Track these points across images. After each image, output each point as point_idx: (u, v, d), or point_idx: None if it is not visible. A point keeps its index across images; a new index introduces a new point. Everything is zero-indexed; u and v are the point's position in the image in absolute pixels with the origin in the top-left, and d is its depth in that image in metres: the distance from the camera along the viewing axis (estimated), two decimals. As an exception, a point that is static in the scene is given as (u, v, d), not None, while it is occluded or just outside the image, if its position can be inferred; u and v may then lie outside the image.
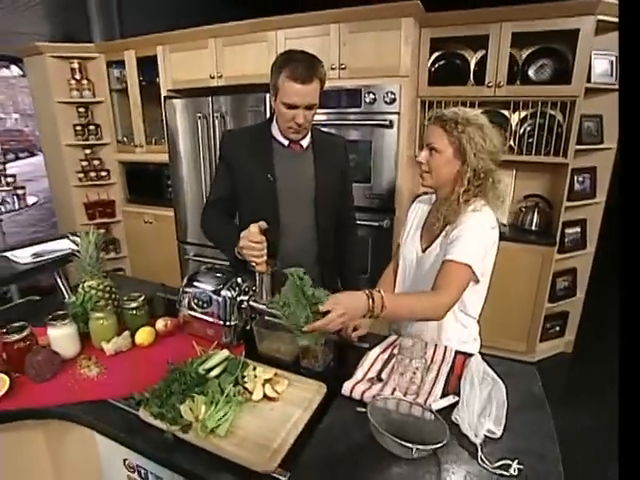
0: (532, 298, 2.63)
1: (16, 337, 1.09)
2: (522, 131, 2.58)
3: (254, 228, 1.16)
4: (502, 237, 2.56)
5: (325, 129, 2.60)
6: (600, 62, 2.36)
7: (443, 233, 1.26)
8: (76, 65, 3.36)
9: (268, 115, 2.67)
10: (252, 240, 1.15)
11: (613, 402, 2.23)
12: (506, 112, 2.58)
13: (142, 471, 0.99)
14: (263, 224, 1.18)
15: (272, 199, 1.39)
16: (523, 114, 2.56)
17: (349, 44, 2.43)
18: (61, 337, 1.14)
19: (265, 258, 1.18)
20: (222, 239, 1.35)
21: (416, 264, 1.37)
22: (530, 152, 2.52)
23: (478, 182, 1.21)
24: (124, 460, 1.00)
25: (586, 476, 1.91)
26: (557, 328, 2.91)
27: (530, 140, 2.52)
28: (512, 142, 2.60)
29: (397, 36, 2.30)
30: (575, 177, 2.57)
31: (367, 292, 1.05)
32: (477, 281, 1.22)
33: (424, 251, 1.34)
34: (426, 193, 1.49)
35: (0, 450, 1.08)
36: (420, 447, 0.81)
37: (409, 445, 0.80)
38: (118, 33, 3.86)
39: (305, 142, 1.43)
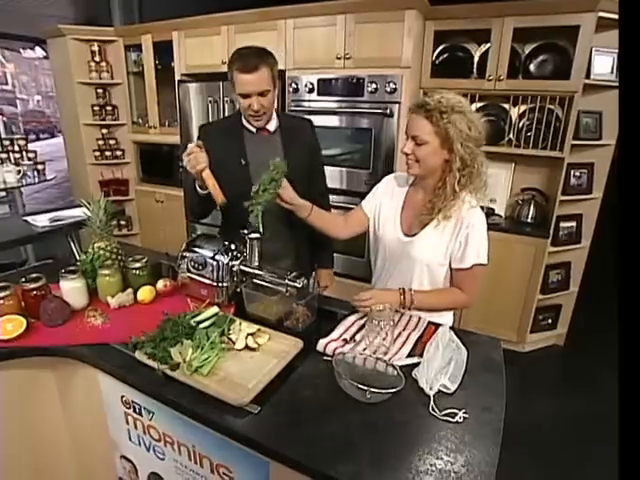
0: (524, 289, 2.71)
1: (33, 286, 1.24)
2: (521, 125, 2.64)
3: (190, 145, 1.32)
4: (498, 228, 2.66)
5: (328, 116, 2.73)
6: (601, 59, 2.40)
7: (435, 222, 1.30)
8: (96, 48, 3.51)
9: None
10: (186, 154, 1.31)
11: (604, 392, 2.33)
12: (506, 105, 2.64)
13: (136, 407, 1.12)
14: (199, 142, 1.34)
15: (246, 181, 1.50)
16: (523, 108, 2.61)
17: (354, 34, 2.51)
18: (71, 289, 1.29)
19: (204, 165, 1.31)
20: (190, 194, 1.49)
21: (398, 248, 1.40)
22: (528, 145, 2.58)
23: (467, 170, 1.24)
24: (121, 397, 1.14)
25: (573, 456, 2.03)
26: (549, 320, 2.97)
27: (529, 134, 2.58)
28: (511, 135, 2.66)
29: (400, 28, 2.38)
30: (572, 172, 2.62)
31: (401, 290, 1.31)
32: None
33: (408, 236, 1.37)
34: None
35: (16, 387, 1.22)
36: (373, 390, 0.92)
37: (364, 388, 0.92)
38: (137, 18, 4.00)
39: (272, 127, 1.56)
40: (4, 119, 14.04)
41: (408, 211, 1.41)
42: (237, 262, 1.35)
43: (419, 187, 1.39)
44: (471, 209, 1.28)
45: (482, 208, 1.33)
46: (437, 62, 2.74)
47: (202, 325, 1.15)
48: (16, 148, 3.64)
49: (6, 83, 21.34)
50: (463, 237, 1.29)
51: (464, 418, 0.95)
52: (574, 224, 2.77)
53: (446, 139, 1.21)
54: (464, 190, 1.27)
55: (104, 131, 3.75)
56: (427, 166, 1.27)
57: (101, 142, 3.74)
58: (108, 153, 3.75)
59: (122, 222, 3.93)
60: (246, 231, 1.33)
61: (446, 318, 1.46)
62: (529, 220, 2.75)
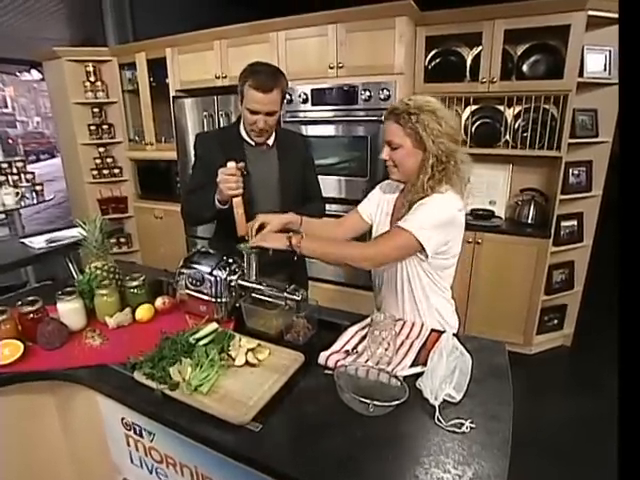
0: (528, 290, 2.68)
1: (29, 309, 1.23)
2: (517, 126, 2.64)
3: (231, 163, 1.33)
4: (498, 230, 2.65)
5: (324, 126, 2.74)
6: (593, 57, 2.41)
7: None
8: (91, 68, 3.55)
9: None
10: (227, 173, 1.32)
11: (613, 392, 2.28)
12: (501, 107, 2.64)
13: (137, 428, 1.10)
14: (241, 164, 1.35)
15: (247, 191, 1.51)
16: (518, 109, 2.61)
17: (346, 43, 2.53)
18: (69, 311, 1.27)
19: (241, 191, 1.34)
20: (202, 199, 1.48)
21: None
22: (525, 146, 2.58)
23: (441, 167, 1.23)
24: (122, 419, 1.12)
25: (585, 458, 1.99)
26: (555, 321, 2.94)
27: (525, 134, 2.58)
28: (507, 136, 2.66)
29: (391, 35, 2.39)
30: (570, 170, 2.62)
31: (288, 236, 1.28)
32: (426, 256, 1.25)
33: None
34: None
35: (15, 412, 1.20)
36: (376, 403, 0.90)
37: (366, 401, 0.90)
38: (131, 36, 4.05)
39: (270, 140, 1.61)
40: (9, 140, 14.22)
41: (396, 216, 1.40)
42: (235, 277, 1.33)
43: (406, 192, 1.38)
44: (434, 194, 1.24)
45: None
46: (430, 67, 2.75)
47: (201, 342, 1.14)
48: (14, 170, 3.67)
49: (6, 106, 21.64)
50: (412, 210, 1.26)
51: (471, 428, 0.92)
52: (575, 223, 2.76)
53: (418, 139, 1.22)
54: (438, 187, 1.24)
55: (101, 150, 3.77)
56: (405, 169, 1.29)
57: (98, 161, 3.77)
58: (106, 171, 3.77)
59: (122, 239, 3.93)
60: (242, 245, 1.32)
61: (451, 324, 1.44)
62: (529, 221, 2.74)
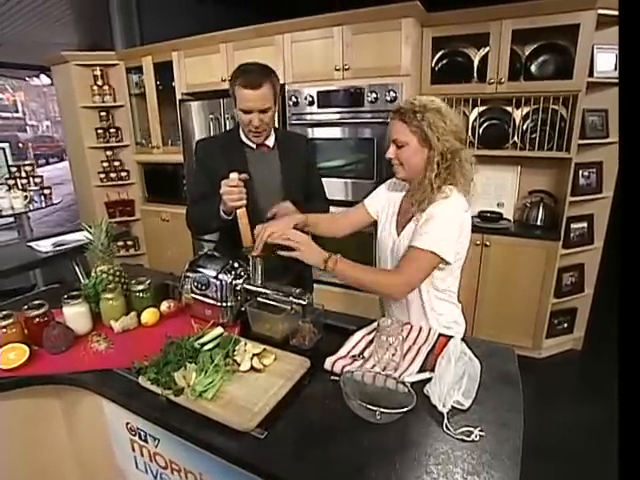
0: (537, 293, 2.64)
1: (35, 313, 1.23)
2: (525, 127, 2.60)
3: (233, 175, 1.31)
4: (507, 232, 2.61)
5: (330, 128, 2.73)
6: (603, 56, 2.37)
7: (414, 219, 1.30)
8: (98, 72, 3.58)
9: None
10: (230, 185, 1.31)
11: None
12: (509, 108, 2.61)
13: (142, 433, 1.09)
14: (244, 176, 1.34)
15: (250, 195, 1.50)
16: (526, 110, 2.58)
17: (352, 45, 2.52)
18: (74, 314, 1.27)
19: (244, 202, 1.33)
20: (207, 210, 1.48)
21: (391, 250, 1.40)
22: (533, 147, 2.54)
23: (446, 164, 1.23)
24: (126, 424, 1.11)
25: (592, 465, 1.95)
26: (565, 324, 2.90)
27: (533, 135, 2.54)
28: (516, 138, 2.62)
29: (397, 36, 2.38)
30: (580, 172, 2.57)
31: (326, 256, 1.24)
32: (447, 263, 1.24)
33: (398, 236, 1.38)
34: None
35: (21, 416, 1.20)
36: (383, 411, 0.88)
37: (373, 408, 0.88)
38: (139, 40, 4.07)
39: (270, 142, 1.60)
40: (19, 144, 14.42)
41: (402, 215, 1.41)
42: (240, 281, 1.32)
43: (413, 190, 1.37)
44: (440, 199, 1.24)
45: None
46: (437, 68, 2.73)
47: (206, 347, 1.13)
48: (23, 174, 3.70)
49: (16, 111, 21.95)
50: (422, 221, 1.25)
51: (480, 436, 0.90)
52: (585, 225, 2.71)
53: (423, 136, 1.22)
54: (444, 185, 1.25)
55: (108, 153, 3.80)
56: (410, 167, 1.29)
57: (106, 164, 3.79)
58: (113, 175, 3.80)
59: (129, 242, 3.95)
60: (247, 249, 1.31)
61: (458, 329, 1.42)
62: (539, 223, 2.70)
